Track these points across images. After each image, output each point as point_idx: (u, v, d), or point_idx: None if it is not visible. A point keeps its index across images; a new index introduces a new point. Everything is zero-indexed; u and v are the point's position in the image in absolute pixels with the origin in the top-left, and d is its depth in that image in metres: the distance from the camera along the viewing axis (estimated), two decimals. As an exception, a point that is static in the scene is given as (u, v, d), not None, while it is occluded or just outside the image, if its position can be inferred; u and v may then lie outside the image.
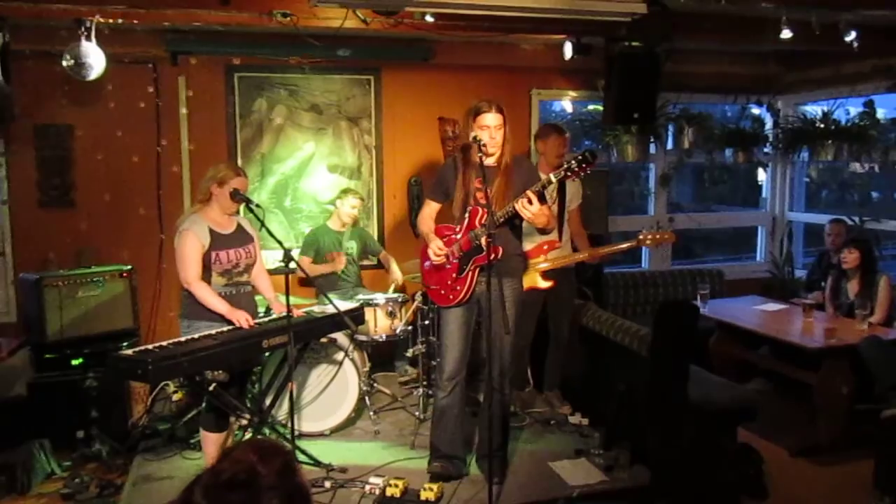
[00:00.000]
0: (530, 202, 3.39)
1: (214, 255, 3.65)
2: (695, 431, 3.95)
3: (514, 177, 3.63)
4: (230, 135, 5.53)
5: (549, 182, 3.49)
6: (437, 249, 3.67)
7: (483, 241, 3.42)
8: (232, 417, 3.85)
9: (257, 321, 3.76)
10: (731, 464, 3.90)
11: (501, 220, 3.55)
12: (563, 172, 3.44)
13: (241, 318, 3.61)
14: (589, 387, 4.81)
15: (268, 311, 4.05)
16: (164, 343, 3.42)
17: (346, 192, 5.31)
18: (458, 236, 3.71)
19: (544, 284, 4.39)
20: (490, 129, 3.53)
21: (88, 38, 4.34)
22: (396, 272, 5.36)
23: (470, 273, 3.67)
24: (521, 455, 4.16)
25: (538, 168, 4.76)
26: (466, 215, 3.66)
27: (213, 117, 5.49)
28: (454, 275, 3.70)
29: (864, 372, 4.41)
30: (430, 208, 3.88)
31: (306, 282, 5.16)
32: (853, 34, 4.89)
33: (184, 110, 5.40)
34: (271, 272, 5.00)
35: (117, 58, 4.82)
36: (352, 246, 5.35)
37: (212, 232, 3.66)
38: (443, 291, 3.75)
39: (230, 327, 3.61)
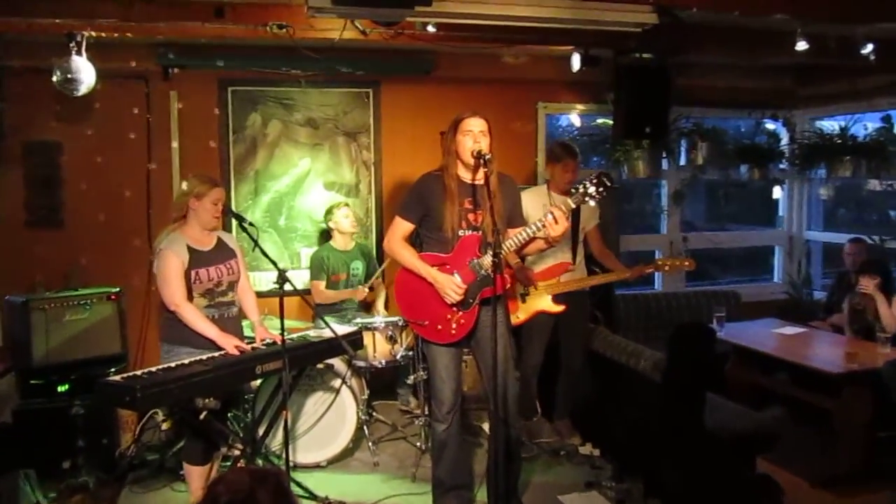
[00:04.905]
0: (556, 221, 3.35)
1: (194, 274, 3.63)
2: (711, 461, 3.92)
3: (501, 197, 3.54)
4: (223, 150, 5.55)
5: (570, 208, 3.44)
6: (456, 289, 3.49)
7: (491, 270, 3.29)
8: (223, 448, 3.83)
9: (251, 344, 3.75)
10: (749, 496, 3.86)
11: (514, 247, 3.52)
12: (582, 199, 3.41)
13: (232, 345, 3.59)
14: (600, 415, 4.77)
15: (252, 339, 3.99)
16: (153, 369, 3.40)
17: (330, 210, 5.36)
18: (451, 267, 3.57)
19: (555, 309, 4.37)
20: (473, 133, 3.47)
21: (79, 53, 4.39)
22: (381, 305, 5.46)
23: (476, 307, 3.57)
24: (530, 488, 4.13)
25: (549, 188, 4.77)
26: (456, 242, 3.55)
27: (205, 133, 5.52)
28: (455, 309, 3.57)
29: (886, 398, 4.37)
30: (404, 228, 3.66)
31: (322, 308, 5.13)
32: (869, 47, 4.91)
33: (175, 126, 5.42)
34: (265, 294, 5.03)
35: (108, 73, 4.86)
36: (358, 267, 5.38)
37: (190, 249, 3.64)
38: (439, 327, 3.59)
39: (220, 352, 3.59)
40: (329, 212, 5.36)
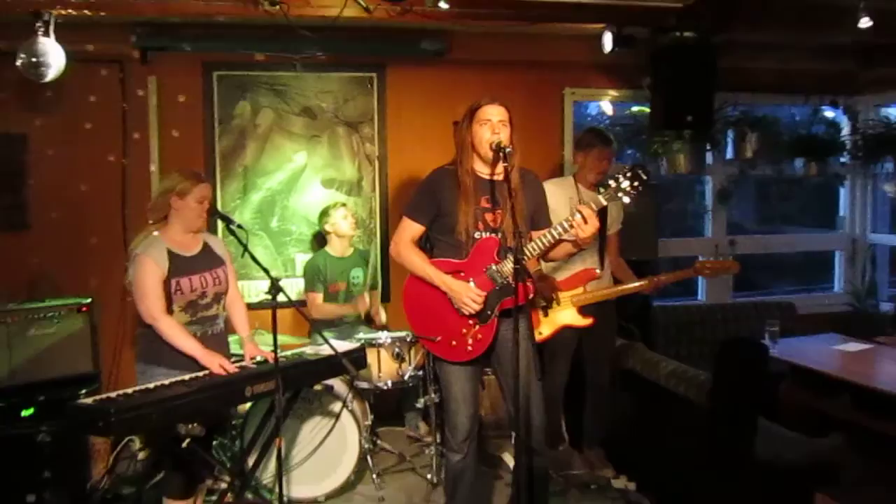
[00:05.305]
0: (586, 221, 3.33)
1: (175, 284, 3.62)
2: (763, 496, 3.90)
3: (524, 195, 3.55)
4: (207, 143, 5.58)
5: (600, 205, 3.42)
6: (475, 297, 3.49)
7: (512, 278, 3.26)
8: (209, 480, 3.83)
9: (239, 363, 3.75)
10: (807, 536, 3.84)
11: (538, 251, 3.52)
12: (614, 194, 3.39)
13: (217, 364, 3.58)
14: (636, 444, 4.77)
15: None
16: (129, 391, 3.40)
17: (325, 211, 5.38)
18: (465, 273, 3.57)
19: (583, 322, 4.38)
20: (492, 122, 3.47)
21: (46, 34, 4.42)
22: (383, 317, 5.49)
23: (495, 319, 3.57)
24: (555, 525, 4.12)
25: (576, 180, 4.76)
26: (472, 246, 3.54)
27: (188, 123, 5.54)
28: (472, 322, 3.56)
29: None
30: (413, 231, 3.67)
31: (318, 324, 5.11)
32: (944, 24, 4.89)
33: (154, 116, 5.45)
34: (255, 306, 5.04)
35: (79, 56, 4.88)
36: (359, 275, 5.40)
37: (171, 254, 3.64)
38: (454, 343, 3.59)
39: (204, 372, 3.59)
40: (325, 213, 5.38)
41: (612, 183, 3.40)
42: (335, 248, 5.35)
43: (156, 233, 3.68)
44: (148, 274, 3.57)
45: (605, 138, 4.76)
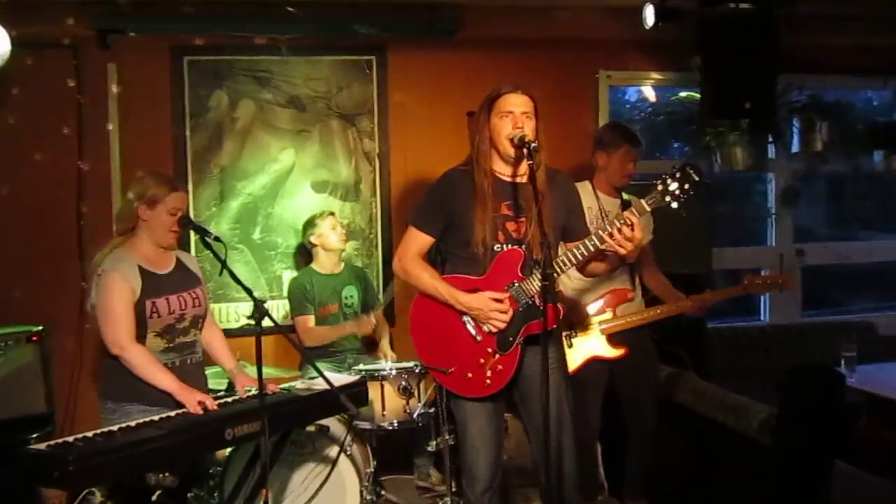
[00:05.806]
0: (631, 228, 3.32)
1: (150, 305, 3.64)
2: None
3: (552, 199, 3.54)
4: (177, 141, 5.61)
5: (644, 212, 3.41)
6: (502, 308, 3.47)
7: (540, 298, 3.27)
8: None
9: (219, 401, 3.75)
10: None
11: (570, 266, 3.52)
12: (661, 199, 3.38)
13: (195, 402, 3.57)
14: (687, 491, 4.76)
15: (230, 387, 4.02)
16: (89, 434, 3.38)
17: (311, 222, 5.40)
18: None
19: (613, 353, 4.35)
20: (514, 114, 3.47)
21: (-11, 16, 4.45)
22: (386, 347, 5.47)
23: (518, 347, 3.55)
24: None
25: (595, 185, 4.76)
26: (491, 260, 3.54)
27: (154, 117, 5.57)
28: (490, 350, 3.55)
29: None
30: (420, 243, 3.67)
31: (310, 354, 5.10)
32: None
33: (115, 109, 5.48)
34: (235, 333, 5.04)
35: (27, 41, 4.91)
36: (352, 294, 5.41)
37: (143, 272, 3.66)
38: (469, 375, 3.57)
39: (179, 411, 3.59)
40: (310, 223, 5.40)
41: (659, 185, 3.39)
42: (322, 264, 5.37)
43: (122, 247, 3.70)
44: (117, 293, 3.58)
45: (631, 136, 4.73)
